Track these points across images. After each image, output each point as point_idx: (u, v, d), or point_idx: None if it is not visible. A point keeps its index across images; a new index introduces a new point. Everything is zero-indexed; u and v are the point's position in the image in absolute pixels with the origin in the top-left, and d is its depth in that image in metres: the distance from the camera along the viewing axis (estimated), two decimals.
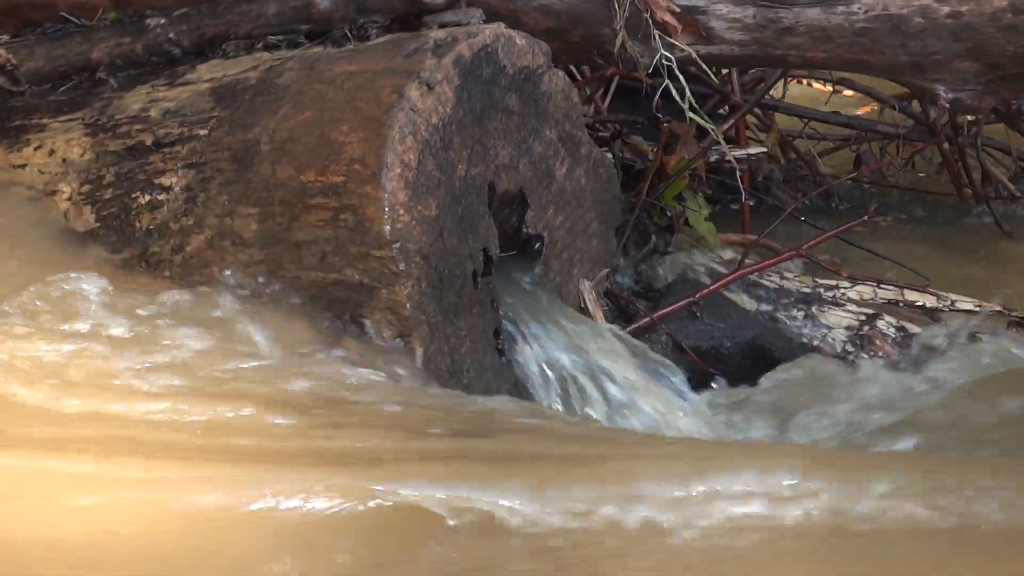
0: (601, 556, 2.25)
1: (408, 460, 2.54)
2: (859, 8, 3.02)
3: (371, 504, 2.76)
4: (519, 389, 2.70)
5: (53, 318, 3.41)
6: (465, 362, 2.67)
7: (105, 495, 2.71)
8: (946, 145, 3.81)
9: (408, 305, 2.50)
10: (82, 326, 3.15)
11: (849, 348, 2.99)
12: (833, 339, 3.06)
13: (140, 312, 2.86)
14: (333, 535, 2.54)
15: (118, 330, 3.20)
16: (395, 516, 2.84)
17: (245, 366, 2.71)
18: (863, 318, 3.08)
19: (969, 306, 3.08)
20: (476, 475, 2.34)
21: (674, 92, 2.78)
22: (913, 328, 3.01)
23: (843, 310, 3.06)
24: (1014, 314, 3.25)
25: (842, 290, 3.07)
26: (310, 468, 2.94)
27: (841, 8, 3.05)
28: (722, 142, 3.17)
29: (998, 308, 3.11)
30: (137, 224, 2.86)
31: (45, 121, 2.97)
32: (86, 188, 2.95)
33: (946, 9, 2.99)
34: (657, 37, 3.06)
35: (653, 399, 2.89)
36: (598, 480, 2.74)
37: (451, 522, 2.30)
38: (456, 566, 2.10)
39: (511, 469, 2.57)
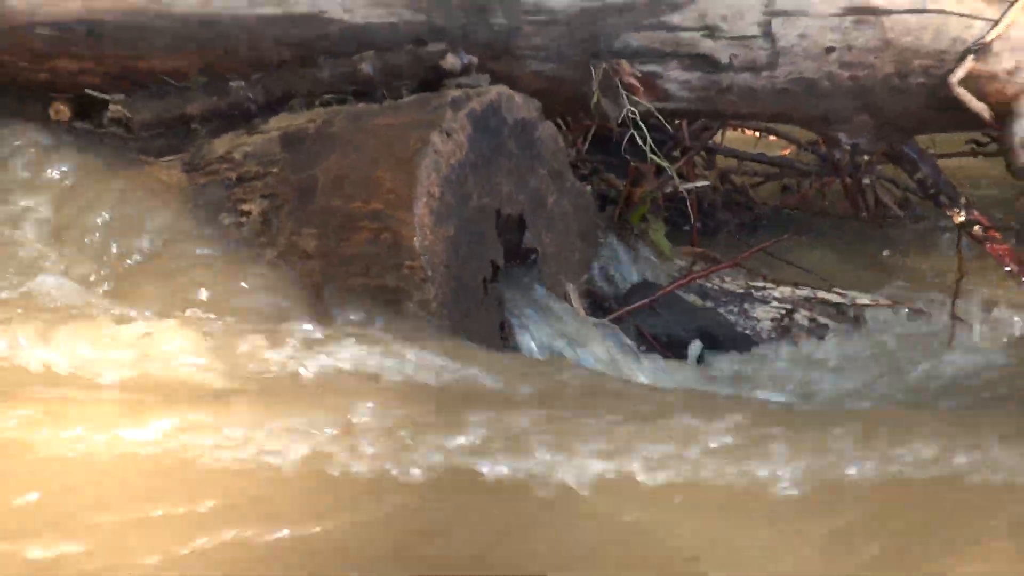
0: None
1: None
2: (780, 73, 3.49)
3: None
4: None
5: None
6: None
7: None
8: (847, 179, 4.35)
9: (434, 304, 2.99)
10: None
11: (773, 335, 3.47)
12: (761, 328, 3.59)
13: None
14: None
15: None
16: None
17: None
18: (784, 312, 3.76)
19: (866, 300, 3.59)
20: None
21: (638, 138, 3.29)
22: (823, 320, 3.62)
23: (769, 306, 3.56)
24: (908, 304, 3.74)
25: (768, 291, 3.58)
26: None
27: (766, 73, 3.51)
28: (676, 177, 3.59)
29: (886, 302, 3.71)
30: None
31: (151, 160, 3.41)
32: None
33: (847, 74, 3.52)
34: (624, 96, 3.66)
35: (620, 366, 3.22)
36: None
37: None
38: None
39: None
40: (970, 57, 3.86)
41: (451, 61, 3.49)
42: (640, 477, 2.77)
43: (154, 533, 2.50)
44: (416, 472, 2.83)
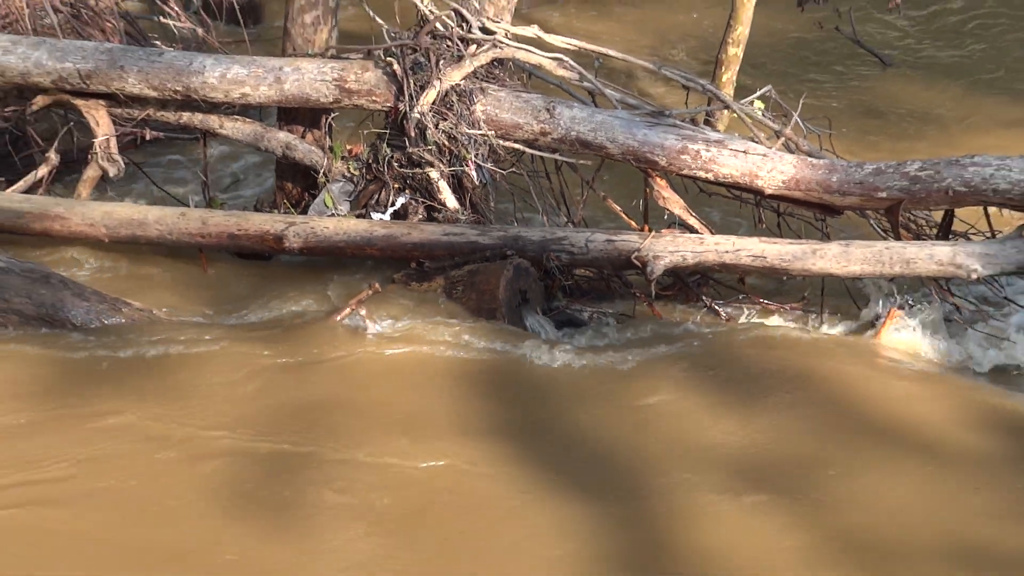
0: None
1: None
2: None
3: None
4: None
5: None
6: (516, 325, 6.15)
7: None
8: None
9: (502, 315, 6.07)
10: None
11: None
12: None
13: None
14: None
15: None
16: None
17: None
18: None
19: None
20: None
21: None
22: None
23: None
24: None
25: None
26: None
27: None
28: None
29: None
30: None
31: None
32: None
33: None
34: None
35: (551, 334, 6.34)
36: None
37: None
38: None
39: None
40: None
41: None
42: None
43: None
44: (480, 347, 5.91)
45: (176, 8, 7.34)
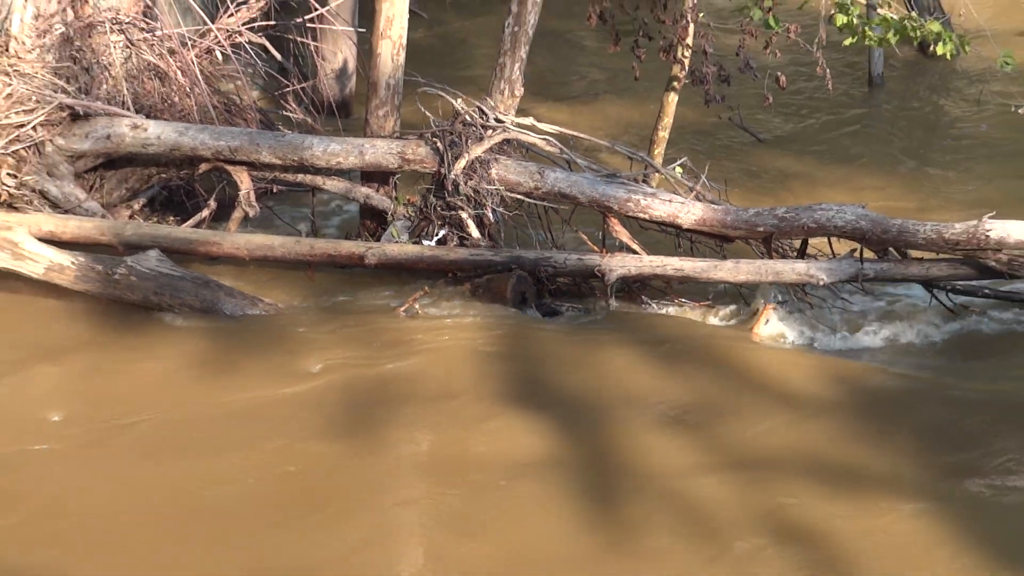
0: None
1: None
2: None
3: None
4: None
5: None
6: (520, 309, 5.98)
7: None
8: None
9: (511, 305, 6.02)
10: None
11: None
12: None
13: None
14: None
15: None
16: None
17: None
18: None
19: None
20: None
21: None
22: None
23: None
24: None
25: None
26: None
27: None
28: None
29: None
30: None
31: None
32: None
33: None
34: None
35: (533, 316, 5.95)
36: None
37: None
38: None
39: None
40: None
41: None
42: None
43: None
44: (493, 328, 5.83)
45: (293, 105, 7.22)
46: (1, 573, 3.76)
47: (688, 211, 6.28)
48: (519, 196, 6.36)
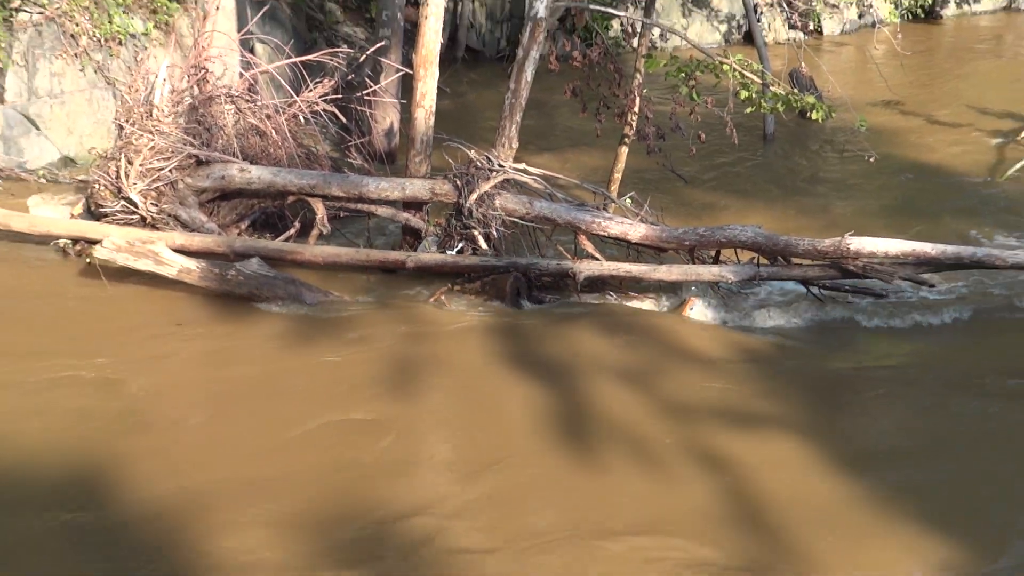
0: None
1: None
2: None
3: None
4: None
5: None
6: (515, 305, 5.71)
7: None
8: None
9: (508, 300, 5.72)
10: None
11: None
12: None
13: None
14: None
15: None
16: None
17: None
18: None
19: None
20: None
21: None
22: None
23: None
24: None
25: None
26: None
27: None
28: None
29: None
30: None
31: None
32: None
33: None
34: None
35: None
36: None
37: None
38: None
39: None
40: None
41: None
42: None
43: None
44: (496, 314, 5.42)
45: (355, 154, 6.90)
46: (161, 465, 3.92)
47: (635, 230, 6.08)
48: (515, 219, 6.13)
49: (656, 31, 10.28)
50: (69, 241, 5.84)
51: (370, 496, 3.63)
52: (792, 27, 10.94)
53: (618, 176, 7.31)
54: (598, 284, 6.00)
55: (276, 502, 3.57)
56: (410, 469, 3.92)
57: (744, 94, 6.46)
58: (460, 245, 6.05)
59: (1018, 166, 7.77)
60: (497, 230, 6.03)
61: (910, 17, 12.80)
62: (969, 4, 13.03)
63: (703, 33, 12.11)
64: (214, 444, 4.02)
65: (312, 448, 4.05)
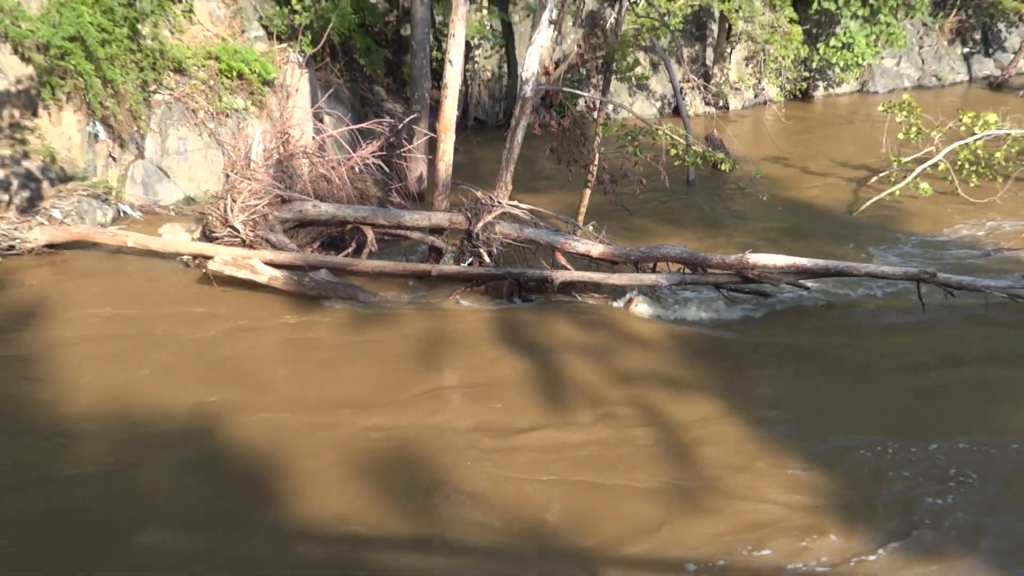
0: None
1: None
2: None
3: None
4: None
5: None
6: (510, 302, 5.50)
7: None
8: None
9: (505, 295, 5.53)
10: None
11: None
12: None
13: None
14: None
15: None
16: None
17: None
18: None
19: None
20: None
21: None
22: None
23: None
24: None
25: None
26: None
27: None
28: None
29: None
30: None
31: None
32: None
33: None
34: None
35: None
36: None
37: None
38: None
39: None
40: None
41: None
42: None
43: None
44: (497, 310, 5.20)
45: (395, 195, 6.77)
46: (249, 416, 4.02)
47: (595, 248, 5.87)
48: (510, 240, 5.94)
49: (610, 106, 10.41)
50: (190, 257, 5.93)
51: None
52: (707, 103, 10.87)
53: (583, 210, 7.17)
54: (569, 287, 5.85)
55: (340, 432, 3.97)
56: (437, 411, 4.24)
57: (673, 151, 6.42)
58: (470, 259, 5.87)
59: (868, 203, 7.81)
60: (497, 249, 5.86)
61: (792, 97, 12.98)
62: (833, 88, 13.32)
63: (644, 107, 12.21)
64: (301, 395, 4.27)
65: (364, 394, 4.39)
